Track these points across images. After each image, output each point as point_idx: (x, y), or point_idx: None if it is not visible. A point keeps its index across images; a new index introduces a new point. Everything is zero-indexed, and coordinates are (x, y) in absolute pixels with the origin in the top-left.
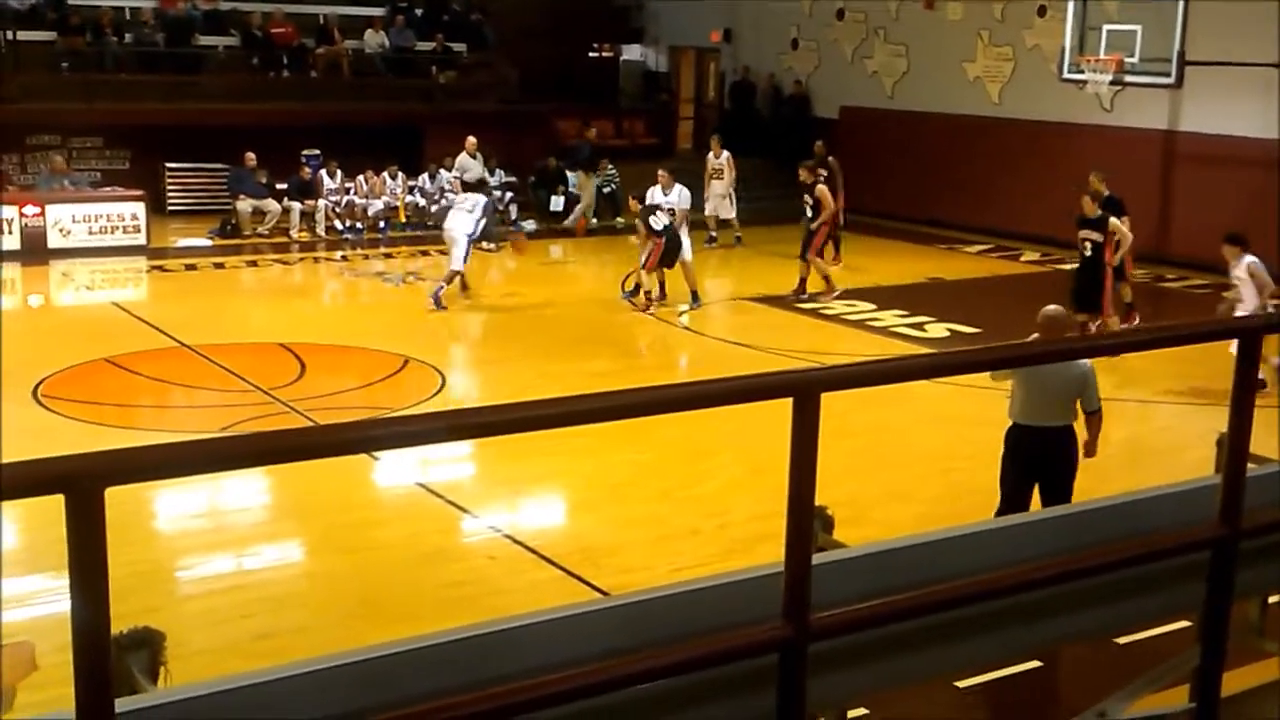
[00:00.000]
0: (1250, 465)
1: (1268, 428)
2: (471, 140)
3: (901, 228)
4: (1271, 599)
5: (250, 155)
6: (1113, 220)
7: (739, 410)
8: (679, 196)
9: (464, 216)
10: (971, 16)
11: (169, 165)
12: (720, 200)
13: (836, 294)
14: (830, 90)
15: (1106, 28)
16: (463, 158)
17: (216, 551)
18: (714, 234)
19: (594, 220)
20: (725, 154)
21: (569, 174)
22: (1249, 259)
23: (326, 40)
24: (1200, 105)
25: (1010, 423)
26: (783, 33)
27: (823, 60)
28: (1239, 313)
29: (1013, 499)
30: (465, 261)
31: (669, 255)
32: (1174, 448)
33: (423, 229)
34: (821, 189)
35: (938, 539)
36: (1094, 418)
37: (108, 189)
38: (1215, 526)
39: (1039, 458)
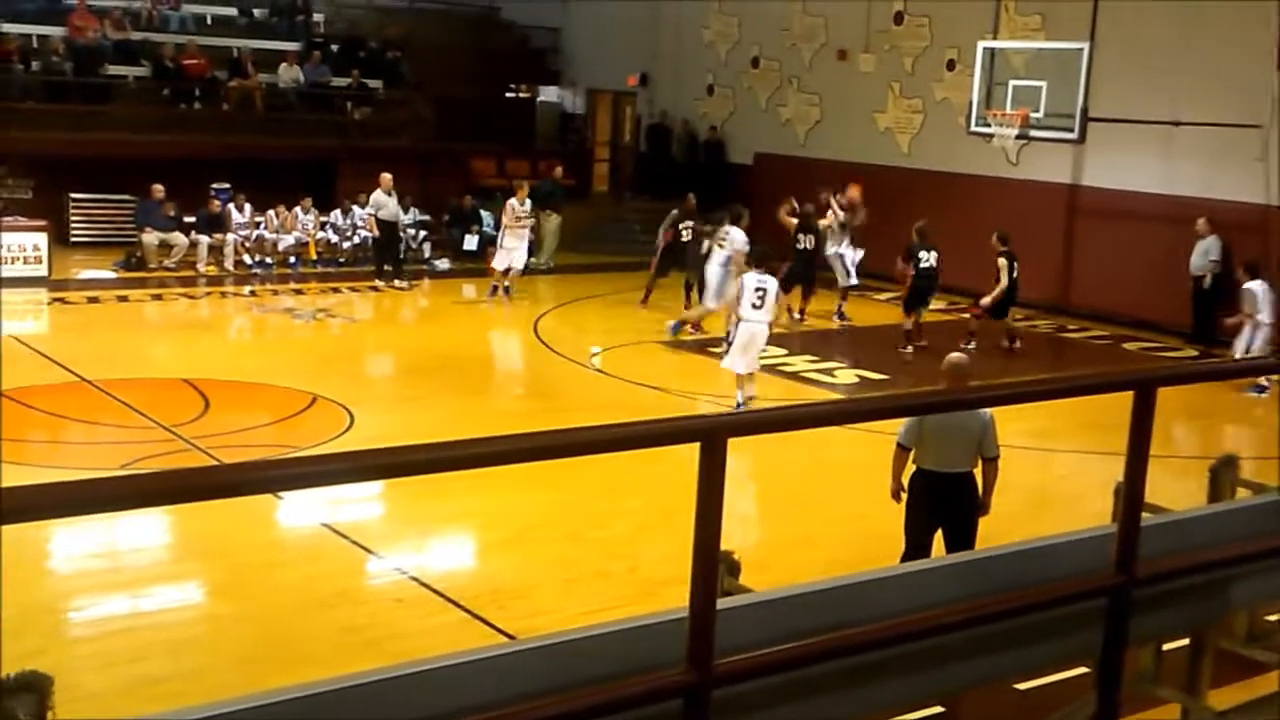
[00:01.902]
0: (1146, 515)
1: (1167, 477)
2: (386, 177)
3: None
4: (1166, 646)
5: (158, 187)
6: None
7: (650, 451)
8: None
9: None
10: (883, 69)
11: (74, 196)
12: (517, 253)
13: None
14: (744, 136)
15: (1013, 83)
16: (377, 194)
17: (111, 592)
18: (508, 285)
19: None
20: (529, 203)
21: (484, 213)
22: None
23: (240, 73)
24: (1101, 160)
25: (915, 469)
26: (699, 79)
27: (738, 107)
28: None
29: (918, 544)
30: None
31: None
32: (1075, 496)
33: (334, 265)
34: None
35: (843, 585)
36: (992, 465)
37: (9, 219)
38: (1111, 575)
39: (944, 502)
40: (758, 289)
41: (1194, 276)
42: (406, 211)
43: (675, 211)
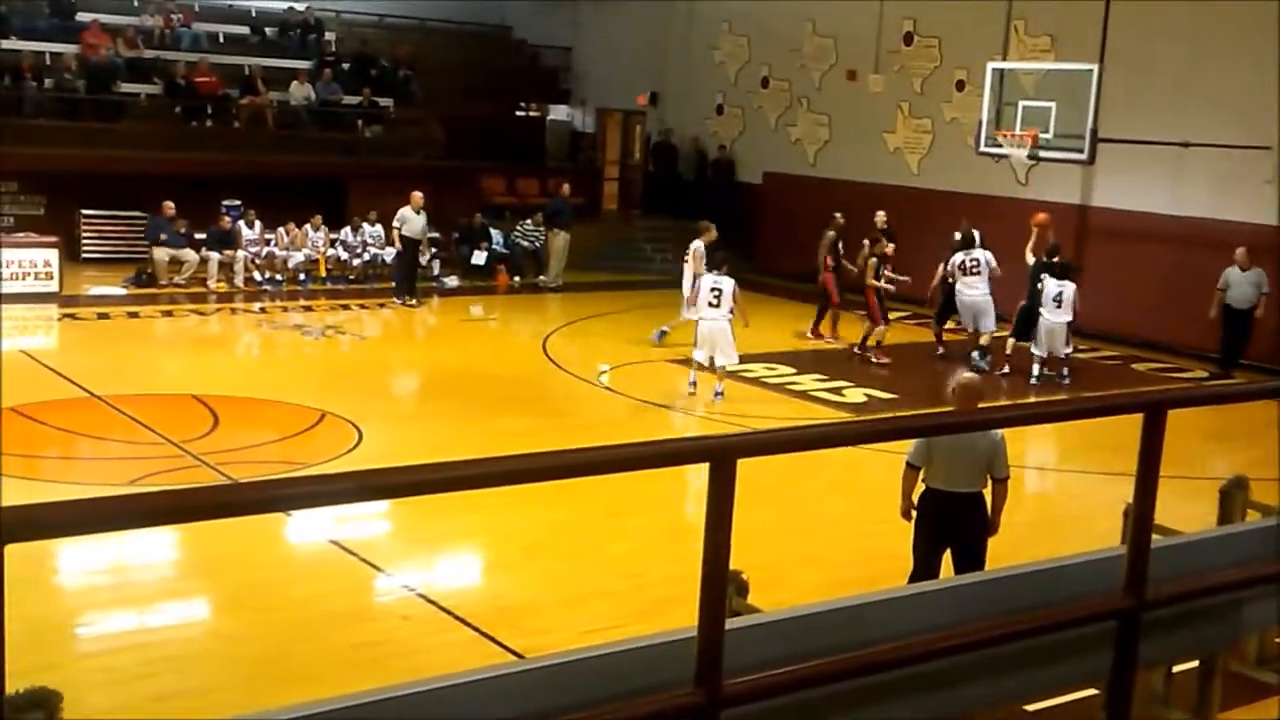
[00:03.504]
0: (1156, 536)
1: (1177, 499)
2: (417, 195)
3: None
4: (1176, 669)
5: (169, 204)
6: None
7: (656, 469)
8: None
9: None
10: (892, 89)
11: (85, 212)
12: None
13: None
14: (754, 156)
15: (1022, 103)
16: (405, 210)
17: (120, 609)
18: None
19: (516, 279)
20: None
21: (493, 231)
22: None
23: (251, 91)
24: (1111, 181)
25: (924, 488)
26: (708, 98)
27: (747, 126)
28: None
29: (925, 564)
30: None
31: None
32: (1084, 517)
33: (344, 282)
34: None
35: (852, 605)
36: (1001, 485)
37: (21, 235)
38: (1121, 597)
39: (952, 523)
40: (713, 288)
41: (1237, 309)
42: None
43: (831, 233)
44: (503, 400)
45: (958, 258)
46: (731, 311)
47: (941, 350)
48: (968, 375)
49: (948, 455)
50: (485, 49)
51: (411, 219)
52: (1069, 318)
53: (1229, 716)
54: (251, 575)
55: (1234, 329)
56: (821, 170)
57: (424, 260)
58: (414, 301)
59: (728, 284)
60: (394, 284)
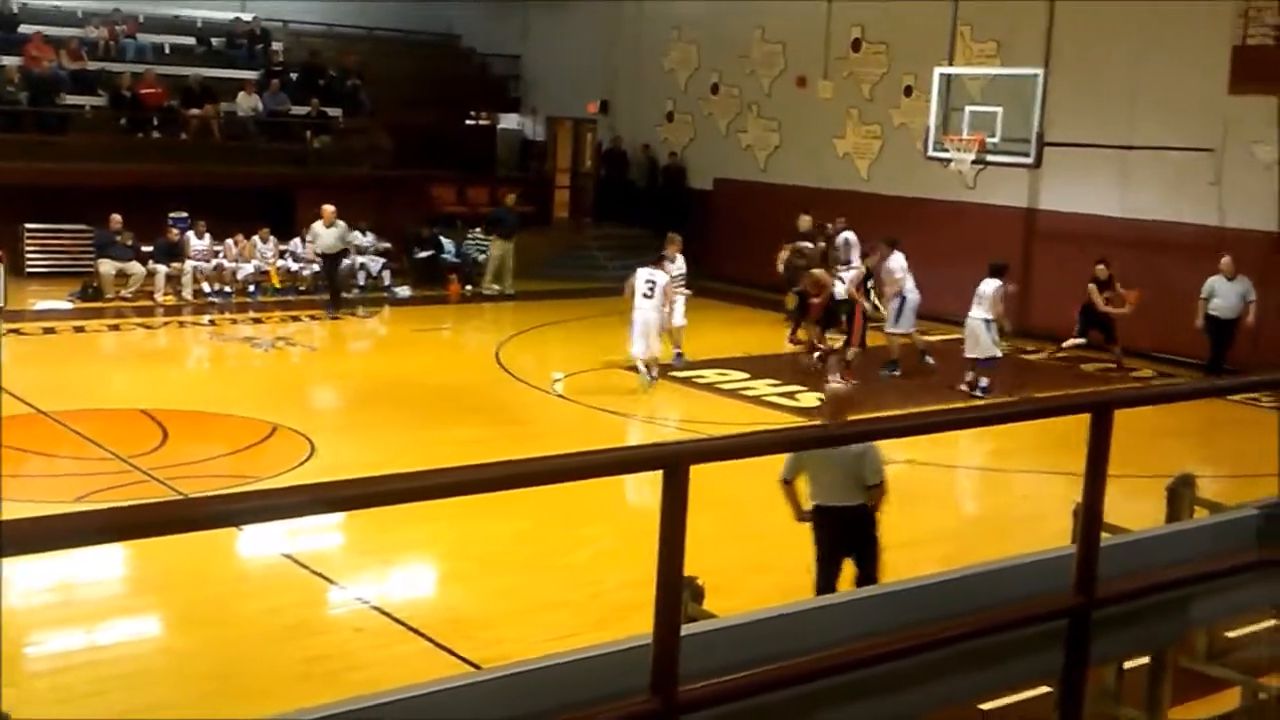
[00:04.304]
0: (1105, 535)
1: (1125, 497)
2: (328, 209)
3: (774, 298)
4: (1127, 665)
5: (116, 217)
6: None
7: (611, 478)
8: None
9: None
10: (841, 95)
11: (29, 226)
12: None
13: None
14: (705, 162)
15: (969, 108)
16: (316, 225)
17: (69, 626)
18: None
19: (468, 288)
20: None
21: (444, 240)
22: None
23: (197, 102)
24: (1058, 184)
25: (813, 505)
26: (659, 105)
27: (698, 133)
28: None
29: (822, 576)
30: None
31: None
32: (1035, 517)
33: (294, 293)
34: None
35: (806, 609)
36: (875, 491)
37: None
38: (1071, 596)
39: (839, 536)
40: (648, 281)
41: (1222, 319)
42: (364, 235)
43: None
44: (456, 410)
45: (901, 259)
46: (663, 304)
47: (818, 355)
48: (834, 385)
49: (819, 469)
50: (433, 58)
51: (322, 234)
52: (987, 315)
53: (1180, 711)
54: (203, 590)
55: (1217, 338)
56: (772, 176)
57: (374, 271)
58: (364, 311)
59: (661, 277)
60: (328, 296)
